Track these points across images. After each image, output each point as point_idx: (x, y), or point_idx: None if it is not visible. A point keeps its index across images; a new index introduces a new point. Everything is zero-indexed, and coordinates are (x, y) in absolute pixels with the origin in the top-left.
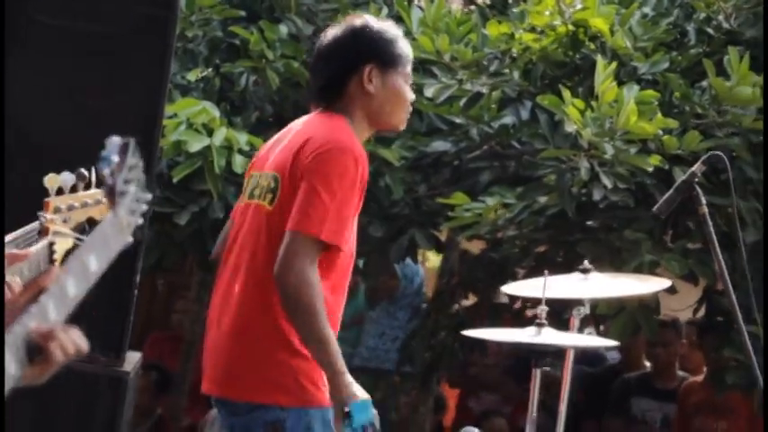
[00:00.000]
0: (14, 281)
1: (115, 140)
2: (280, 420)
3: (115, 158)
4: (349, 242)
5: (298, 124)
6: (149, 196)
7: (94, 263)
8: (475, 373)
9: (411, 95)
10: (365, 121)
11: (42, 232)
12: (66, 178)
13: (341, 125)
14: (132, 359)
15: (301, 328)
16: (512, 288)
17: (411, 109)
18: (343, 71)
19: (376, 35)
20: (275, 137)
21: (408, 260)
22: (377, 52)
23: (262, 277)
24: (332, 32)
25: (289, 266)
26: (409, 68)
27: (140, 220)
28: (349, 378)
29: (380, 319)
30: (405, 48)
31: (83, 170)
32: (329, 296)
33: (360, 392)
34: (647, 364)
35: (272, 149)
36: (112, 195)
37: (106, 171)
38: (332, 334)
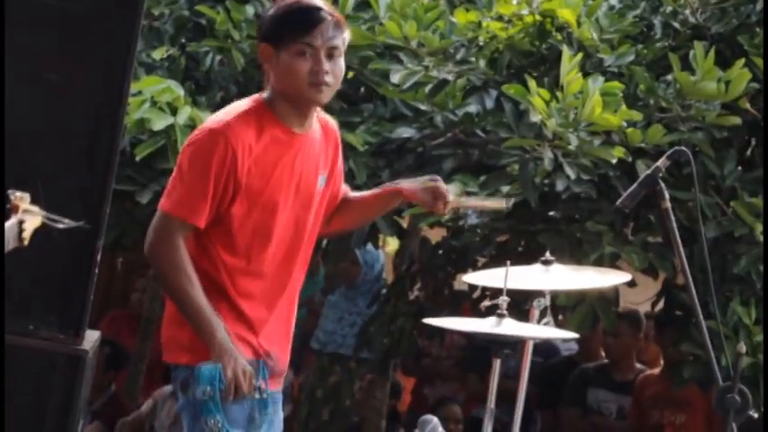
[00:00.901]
0: None
1: None
2: (186, 378)
3: None
4: (239, 221)
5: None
6: None
7: None
8: (429, 363)
9: (304, 68)
10: (282, 98)
11: (12, 209)
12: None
13: (237, 107)
14: (91, 338)
15: (169, 296)
16: (473, 278)
17: (321, 80)
18: (258, 54)
19: (268, 15)
20: None
21: (370, 246)
22: (266, 32)
23: None
24: None
25: (148, 240)
26: (306, 39)
27: None
28: (219, 341)
29: (339, 304)
30: (295, 21)
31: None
32: (239, 276)
33: (225, 357)
34: (604, 355)
35: None
36: None
37: None
38: (199, 299)
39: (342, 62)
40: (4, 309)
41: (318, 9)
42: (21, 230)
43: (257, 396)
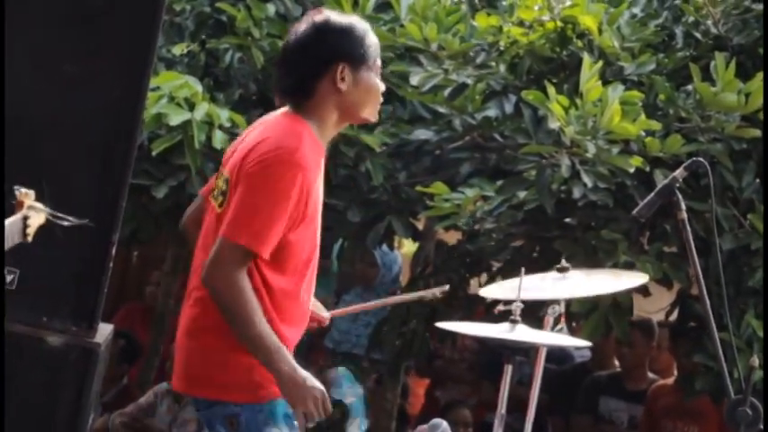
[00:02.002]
0: None
1: None
2: (235, 414)
3: None
4: (295, 246)
5: (261, 123)
6: None
7: None
8: (442, 365)
9: (381, 87)
10: (335, 116)
11: (17, 206)
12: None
13: (297, 130)
14: (104, 331)
15: (235, 332)
16: (489, 291)
17: (382, 99)
18: (314, 72)
19: (344, 33)
20: (242, 134)
21: (387, 248)
22: (347, 51)
23: None
24: (298, 30)
25: (212, 272)
26: (378, 59)
27: None
28: (288, 375)
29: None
30: (373, 39)
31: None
32: (282, 299)
33: (296, 389)
34: (617, 363)
35: (236, 148)
36: None
37: None
38: (266, 332)
39: None
40: (4, 305)
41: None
42: (25, 226)
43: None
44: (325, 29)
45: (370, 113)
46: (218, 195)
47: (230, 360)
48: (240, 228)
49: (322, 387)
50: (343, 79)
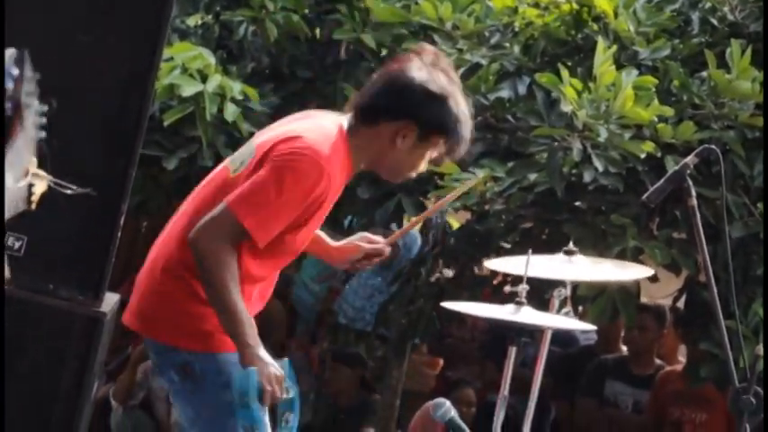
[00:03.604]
0: None
1: (10, 52)
2: (188, 362)
3: (15, 71)
4: (285, 245)
5: (313, 116)
6: (46, 107)
7: (11, 179)
8: (453, 344)
9: (422, 167)
10: (373, 158)
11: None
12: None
13: (338, 144)
14: (111, 300)
15: (208, 295)
16: (495, 264)
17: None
18: (390, 114)
19: (437, 101)
20: (295, 115)
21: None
22: (425, 117)
23: (187, 229)
24: (411, 66)
25: (203, 232)
26: (445, 138)
27: (43, 134)
28: (253, 350)
29: (372, 282)
30: (458, 127)
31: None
32: (247, 283)
33: (260, 365)
34: (624, 347)
35: (280, 124)
36: (19, 109)
37: (9, 85)
38: (237, 303)
39: None
40: (4, 301)
41: (467, 140)
42: (30, 194)
43: (285, 396)
44: (427, 85)
45: (396, 178)
46: (237, 159)
47: (183, 305)
48: (248, 207)
49: (282, 373)
50: (403, 137)
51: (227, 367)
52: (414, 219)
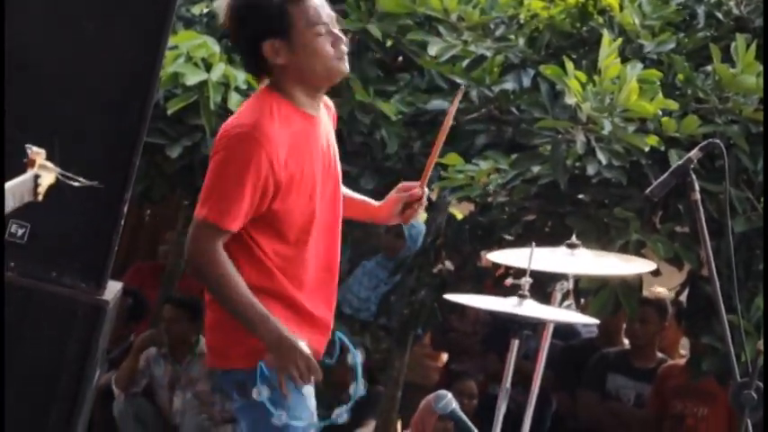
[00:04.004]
0: None
1: None
2: (243, 380)
3: None
4: (287, 215)
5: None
6: None
7: None
8: (456, 337)
9: (326, 46)
10: (300, 85)
11: (28, 164)
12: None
13: (259, 105)
14: (113, 288)
15: (220, 304)
16: (497, 256)
17: (343, 50)
18: (254, 54)
19: (257, 9)
20: None
21: (415, 220)
22: (265, 28)
23: None
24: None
25: (187, 251)
26: (313, 16)
27: None
28: (274, 336)
29: (376, 272)
30: (294, 5)
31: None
32: (288, 267)
33: (282, 351)
34: (626, 341)
35: None
36: None
37: None
38: (247, 299)
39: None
40: (4, 299)
41: None
42: (36, 185)
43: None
44: (241, 9)
45: (331, 70)
46: None
47: (231, 327)
48: (203, 204)
49: (308, 352)
50: (277, 54)
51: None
52: (432, 154)
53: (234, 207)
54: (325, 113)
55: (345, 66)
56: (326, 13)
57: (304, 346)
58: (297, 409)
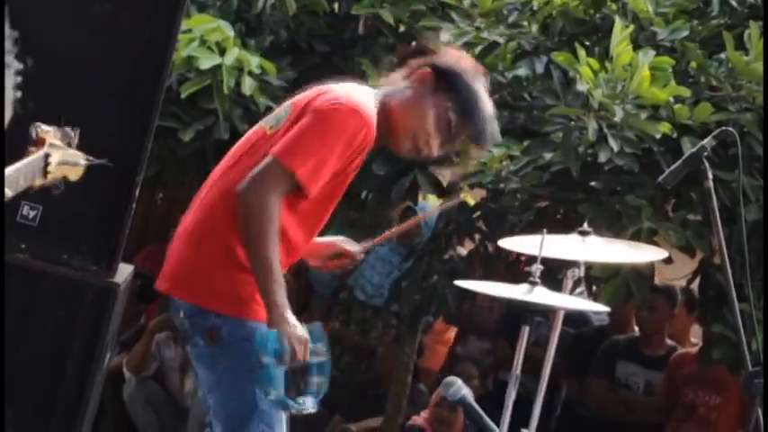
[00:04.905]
0: None
1: None
2: (215, 327)
3: None
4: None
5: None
6: (21, 66)
7: None
8: (469, 312)
9: (429, 127)
10: (388, 118)
11: (38, 143)
12: (59, 133)
13: (365, 93)
14: (124, 271)
15: (248, 249)
16: (508, 243)
17: (421, 149)
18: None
19: (474, 99)
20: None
21: (430, 206)
22: (451, 69)
23: (229, 189)
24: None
25: (255, 184)
26: (454, 118)
27: (19, 94)
28: (280, 310)
29: (390, 258)
30: (479, 122)
31: (69, 129)
32: (293, 232)
33: (284, 325)
34: (636, 328)
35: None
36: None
37: None
38: (276, 264)
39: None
40: (4, 298)
41: (488, 142)
42: (46, 164)
43: (314, 360)
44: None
45: (399, 142)
46: (271, 119)
47: (222, 269)
48: (296, 156)
49: (306, 338)
50: (422, 83)
51: (254, 335)
52: (391, 230)
53: (323, 175)
54: None
55: (402, 151)
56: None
57: (303, 331)
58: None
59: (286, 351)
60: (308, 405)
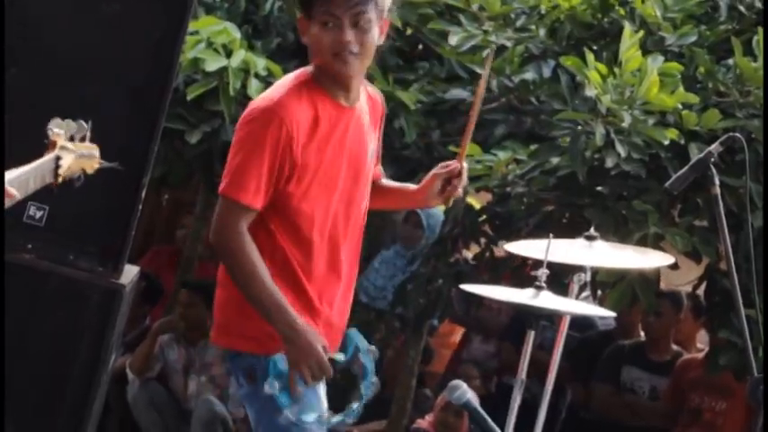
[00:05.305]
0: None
1: None
2: (252, 366)
3: None
4: (300, 204)
5: None
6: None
7: None
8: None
9: (326, 39)
10: (322, 72)
11: (49, 146)
12: (73, 126)
13: (287, 84)
14: (130, 273)
15: (240, 291)
16: (515, 247)
17: (344, 51)
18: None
19: None
20: None
21: (434, 210)
22: (300, 3)
23: None
24: None
25: (213, 229)
26: (329, 9)
27: None
28: (286, 332)
29: (394, 261)
30: None
31: (83, 122)
32: (294, 250)
33: (289, 344)
34: (642, 333)
35: None
36: None
37: None
38: (265, 288)
39: (373, 32)
40: (3, 309)
41: None
42: (57, 167)
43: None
44: None
45: (328, 67)
46: None
47: (247, 310)
48: (224, 179)
49: (320, 350)
50: (303, 32)
51: (282, 366)
52: (466, 132)
53: (252, 182)
54: (366, 107)
55: (344, 67)
56: (348, 7)
57: (319, 342)
58: (308, 405)
59: (300, 375)
60: (354, 412)
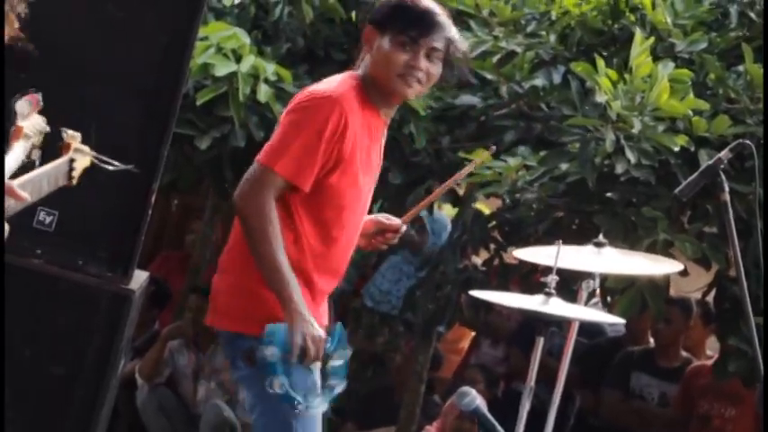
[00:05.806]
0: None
1: None
2: (252, 349)
3: None
4: (333, 191)
5: None
6: None
7: None
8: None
9: (400, 59)
10: (373, 83)
11: (63, 148)
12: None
13: (340, 78)
14: (140, 278)
15: (253, 253)
16: (524, 253)
17: (413, 75)
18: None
19: (385, 1)
20: None
21: (439, 214)
22: (376, 15)
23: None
24: None
25: (242, 190)
26: (411, 33)
27: None
28: (294, 305)
29: (400, 266)
30: (408, 15)
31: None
32: (318, 245)
33: (298, 321)
34: (651, 339)
35: None
36: None
37: None
38: (282, 262)
39: (439, 66)
40: (3, 309)
41: (434, 13)
42: (71, 169)
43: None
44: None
45: (391, 85)
46: None
47: (253, 293)
48: (273, 154)
49: (323, 333)
50: (369, 42)
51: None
52: (424, 200)
53: (310, 164)
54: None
55: (406, 89)
56: (428, 39)
57: (320, 331)
58: (300, 378)
59: (296, 346)
60: (315, 404)
